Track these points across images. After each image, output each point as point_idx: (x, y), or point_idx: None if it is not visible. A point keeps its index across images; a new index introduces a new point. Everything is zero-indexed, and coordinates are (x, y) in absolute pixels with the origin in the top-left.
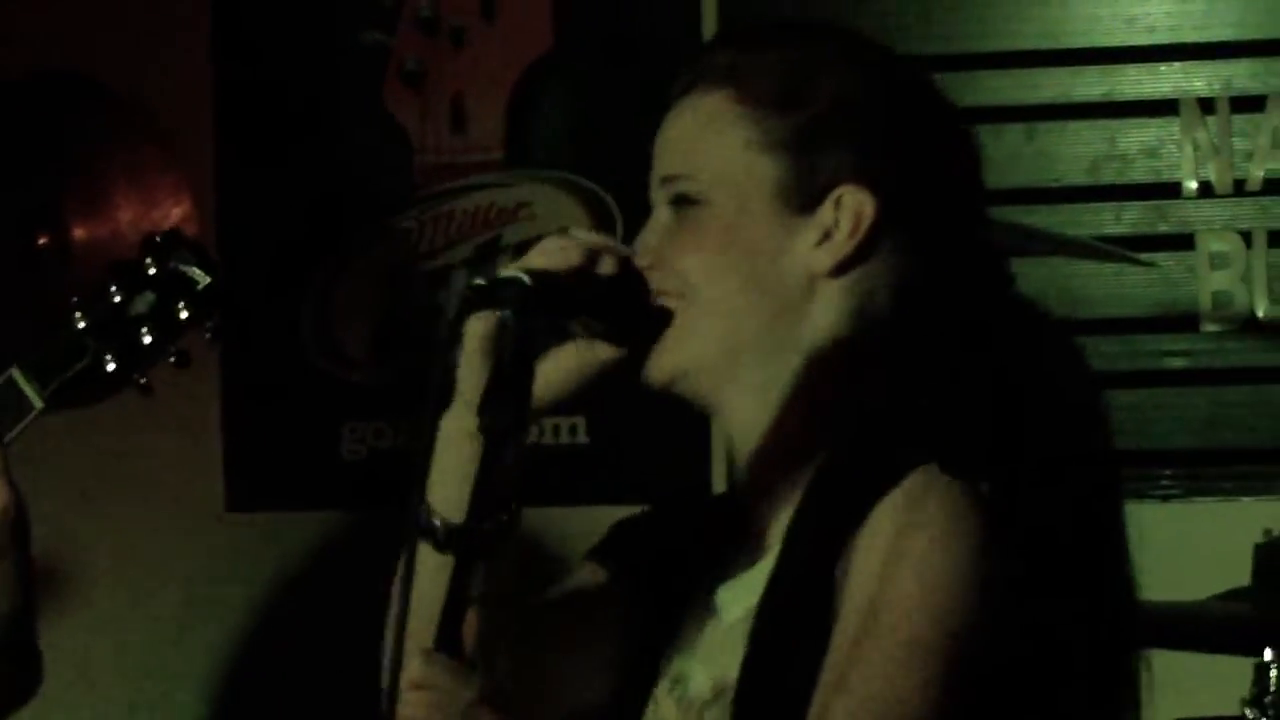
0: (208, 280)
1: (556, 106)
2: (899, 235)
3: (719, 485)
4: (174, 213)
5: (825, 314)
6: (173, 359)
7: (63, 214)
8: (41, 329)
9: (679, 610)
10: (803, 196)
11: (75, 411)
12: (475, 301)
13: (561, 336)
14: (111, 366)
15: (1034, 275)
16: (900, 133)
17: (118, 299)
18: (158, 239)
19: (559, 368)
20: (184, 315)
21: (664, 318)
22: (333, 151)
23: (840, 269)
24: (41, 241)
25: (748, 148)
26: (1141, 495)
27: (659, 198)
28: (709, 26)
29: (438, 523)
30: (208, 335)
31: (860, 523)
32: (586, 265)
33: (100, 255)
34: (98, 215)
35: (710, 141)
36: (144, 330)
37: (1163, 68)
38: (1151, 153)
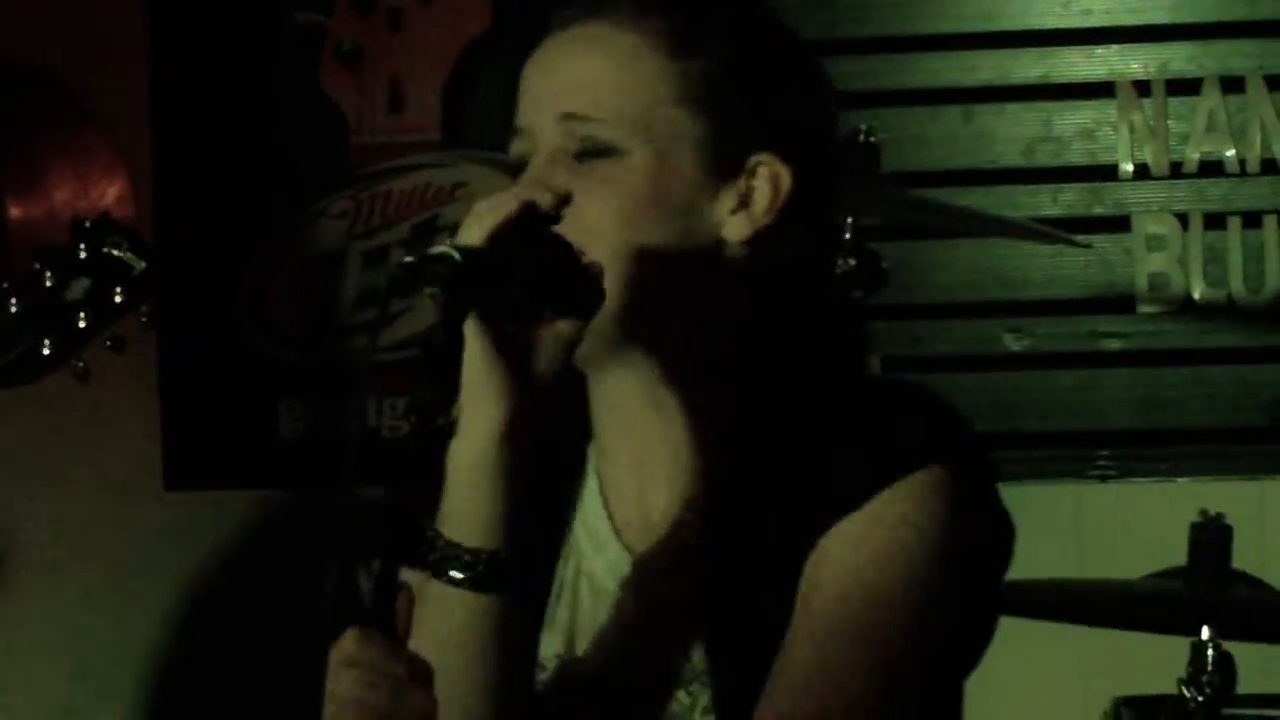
0: (142, 265)
1: (494, 87)
2: (804, 214)
3: None
4: (110, 193)
5: (731, 284)
6: (108, 343)
7: None
8: None
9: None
10: (721, 159)
11: (9, 391)
12: (404, 279)
13: (520, 318)
14: (48, 350)
15: (970, 256)
16: (805, 111)
17: (51, 284)
18: (88, 224)
19: (541, 352)
20: (119, 300)
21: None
22: (269, 132)
23: (753, 241)
24: None
25: (667, 99)
26: (1079, 475)
27: (552, 134)
28: None
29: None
30: (144, 319)
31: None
32: (518, 210)
33: (35, 234)
34: (33, 195)
35: (626, 87)
36: (80, 315)
37: (1099, 50)
38: (1088, 135)
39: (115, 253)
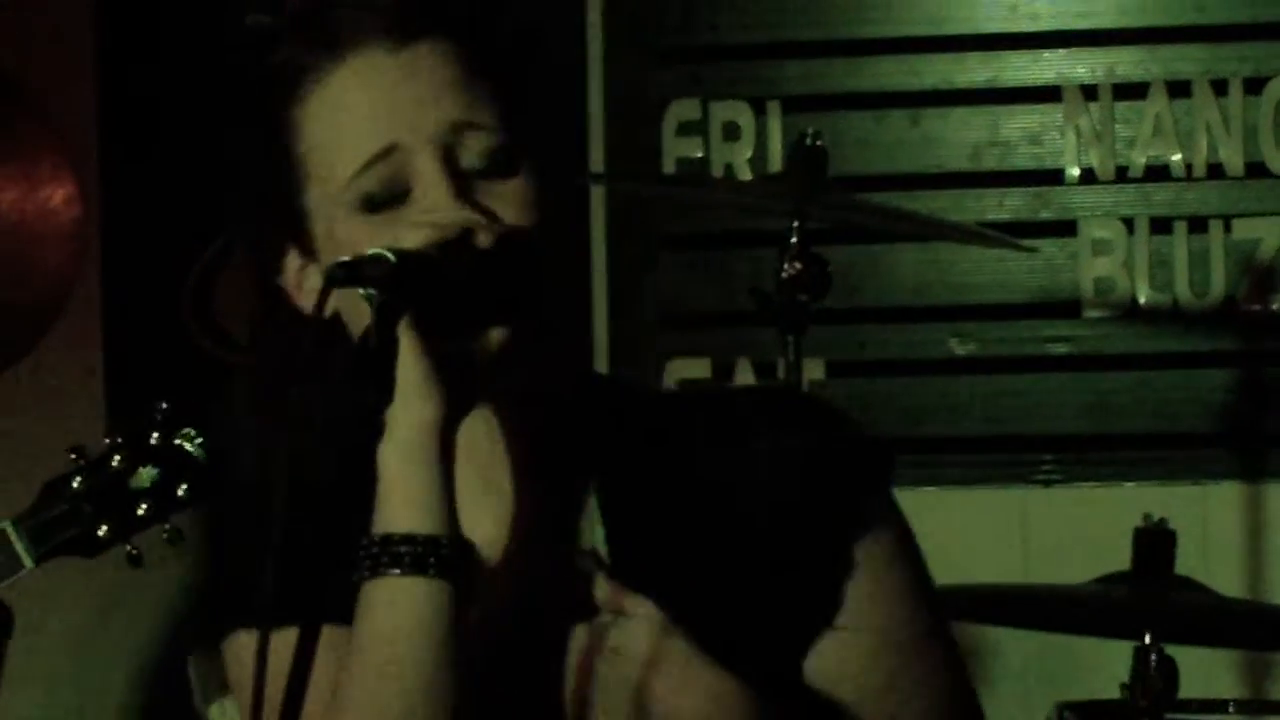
0: (207, 460)
1: None
2: None
3: None
4: (58, 195)
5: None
6: (165, 536)
7: None
8: None
9: None
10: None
11: None
12: (339, 279)
13: (454, 323)
14: (103, 532)
15: (916, 261)
16: None
17: (119, 467)
18: (163, 410)
19: (476, 355)
20: (182, 494)
21: (545, 293)
22: (217, 132)
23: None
24: None
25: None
26: (1024, 480)
27: (437, 143)
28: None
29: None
30: (165, 536)
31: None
32: (458, 240)
33: None
34: None
35: (490, 95)
36: (142, 504)
37: (1046, 54)
38: (1034, 139)
39: (186, 446)
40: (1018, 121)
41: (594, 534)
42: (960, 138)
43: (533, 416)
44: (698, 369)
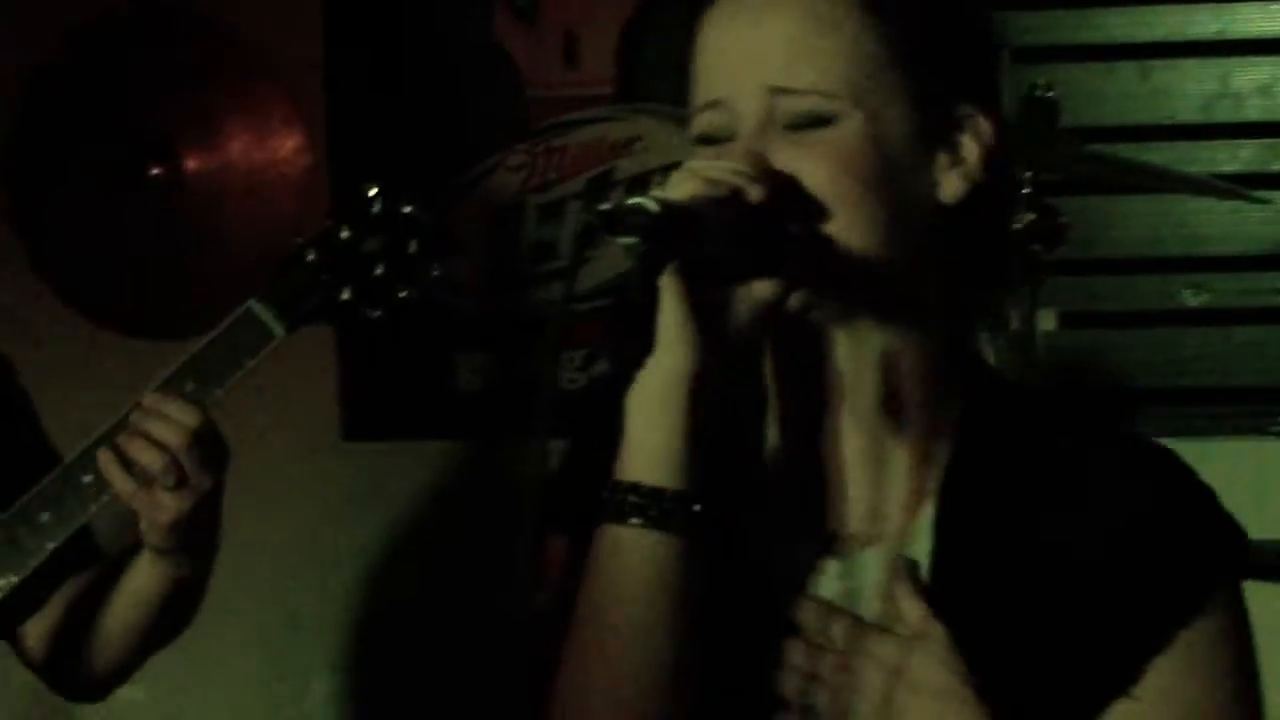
0: (433, 220)
1: (669, 39)
2: (998, 168)
3: None
4: (286, 145)
5: (948, 244)
6: (403, 294)
7: (175, 145)
8: (157, 255)
9: None
10: (930, 117)
11: (186, 340)
12: (599, 227)
13: (716, 275)
14: (346, 296)
15: (1149, 212)
16: (989, 62)
17: (347, 238)
18: (380, 185)
19: (735, 312)
20: (413, 251)
21: (814, 246)
22: (445, 84)
23: (967, 199)
24: (154, 172)
25: (873, 62)
26: (1260, 432)
27: (758, 107)
28: None
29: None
30: (435, 273)
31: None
32: (727, 193)
33: (211, 185)
34: (209, 146)
35: (833, 53)
36: (376, 265)
37: (1275, 6)
38: (1265, 91)
39: (407, 209)
40: (1249, 73)
41: (915, 542)
42: (1191, 89)
43: (807, 365)
44: None
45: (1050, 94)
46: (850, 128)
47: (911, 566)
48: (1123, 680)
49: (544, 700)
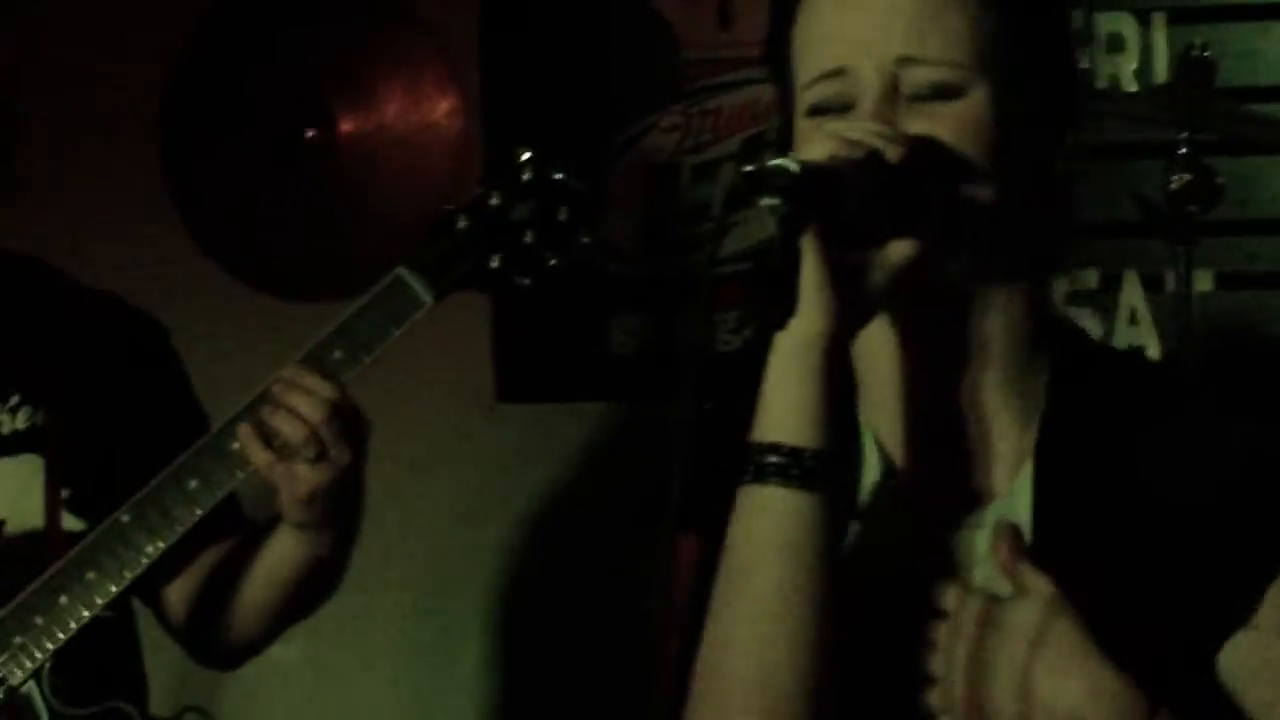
0: (584, 187)
1: None
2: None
3: None
4: (440, 107)
5: (1060, 218)
6: (553, 261)
7: (330, 109)
8: (311, 217)
9: None
10: (1045, 86)
11: (339, 303)
12: (744, 189)
13: (855, 236)
14: (495, 263)
15: None
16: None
17: (497, 204)
18: (531, 150)
19: (874, 273)
20: (563, 218)
21: (950, 207)
22: (599, 47)
23: (1076, 174)
24: (309, 135)
25: (995, 36)
26: None
27: (883, 77)
28: None
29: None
30: (585, 240)
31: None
32: (865, 154)
33: (366, 148)
34: (364, 110)
35: (957, 24)
36: (526, 233)
37: None
38: None
39: (558, 175)
40: None
41: (1017, 501)
42: None
43: (939, 334)
44: (1085, 280)
45: (1206, 54)
46: (977, 99)
47: (1013, 530)
48: (1243, 611)
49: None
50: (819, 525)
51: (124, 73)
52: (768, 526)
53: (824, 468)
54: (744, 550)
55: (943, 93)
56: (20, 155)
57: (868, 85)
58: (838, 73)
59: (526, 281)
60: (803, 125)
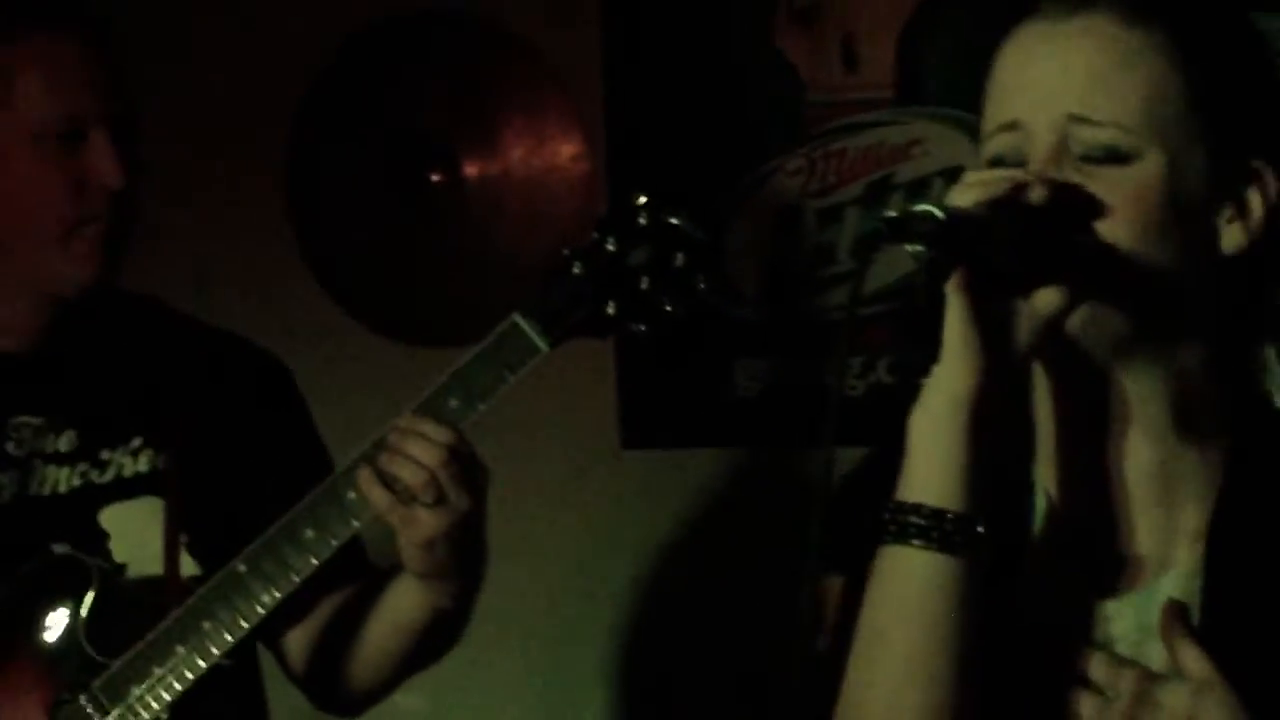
0: (701, 234)
1: (949, 43)
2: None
3: None
4: (565, 150)
5: (1223, 297)
6: (668, 307)
7: (456, 152)
8: (435, 262)
9: None
10: (1223, 166)
11: (461, 348)
12: (886, 234)
13: (1002, 284)
14: (611, 310)
15: None
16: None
17: (613, 250)
18: (648, 195)
19: (1021, 323)
20: (679, 265)
21: (1095, 253)
22: (722, 89)
23: (1246, 253)
24: (435, 178)
25: (1178, 103)
26: None
27: (1055, 133)
28: None
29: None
30: (703, 285)
31: None
32: (1010, 197)
33: (491, 192)
34: (489, 153)
35: (1137, 88)
36: (643, 279)
37: None
38: None
39: (675, 221)
40: None
41: (1186, 578)
42: None
43: (1090, 391)
44: None
45: None
46: (1147, 168)
47: (1180, 610)
48: None
49: None
50: (959, 591)
51: (250, 116)
52: (906, 590)
53: (967, 532)
54: (881, 613)
55: (1113, 156)
56: (145, 199)
57: (1040, 141)
58: (1013, 125)
59: (643, 328)
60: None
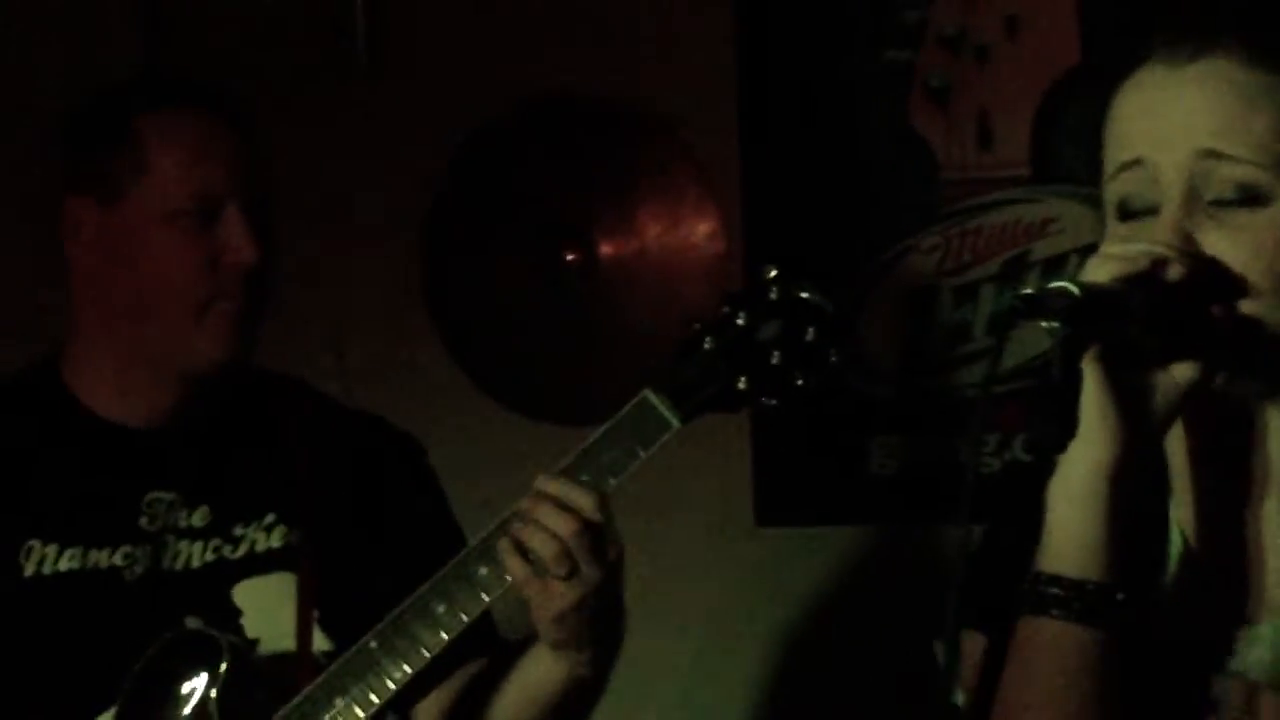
0: (831, 307)
1: (1084, 121)
2: None
3: None
4: (700, 229)
5: None
6: (800, 381)
7: (591, 231)
8: (569, 340)
9: None
10: None
11: (593, 426)
12: (1022, 311)
13: (1138, 358)
14: (742, 385)
15: None
16: None
17: (743, 324)
18: (778, 269)
19: (1157, 395)
20: (810, 339)
21: (1237, 328)
22: (858, 168)
23: None
24: (570, 258)
25: None
26: None
27: (1183, 171)
28: None
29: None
30: (832, 359)
31: None
32: (1147, 273)
33: (625, 271)
34: (625, 232)
35: (1265, 126)
36: (772, 353)
37: None
38: None
39: (805, 294)
40: None
41: None
42: None
43: (1224, 455)
44: None
45: None
46: (1277, 209)
47: None
48: None
49: None
50: (1099, 662)
51: (389, 195)
52: (1047, 662)
53: (1107, 603)
54: (1023, 688)
55: (1247, 197)
56: (283, 280)
57: (1168, 184)
58: (1136, 163)
59: (774, 402)
60: (1111, 229)
